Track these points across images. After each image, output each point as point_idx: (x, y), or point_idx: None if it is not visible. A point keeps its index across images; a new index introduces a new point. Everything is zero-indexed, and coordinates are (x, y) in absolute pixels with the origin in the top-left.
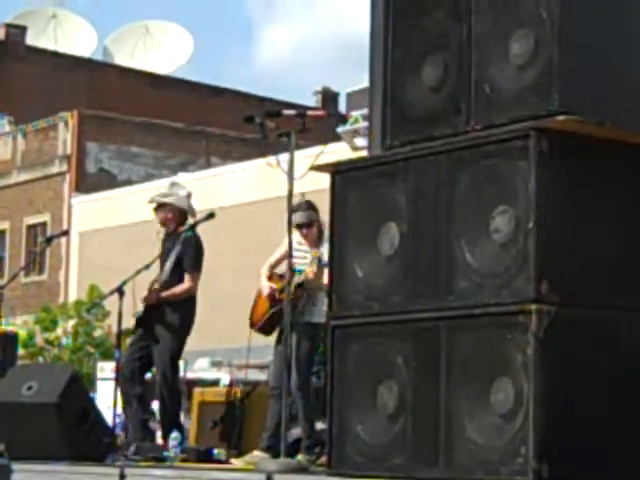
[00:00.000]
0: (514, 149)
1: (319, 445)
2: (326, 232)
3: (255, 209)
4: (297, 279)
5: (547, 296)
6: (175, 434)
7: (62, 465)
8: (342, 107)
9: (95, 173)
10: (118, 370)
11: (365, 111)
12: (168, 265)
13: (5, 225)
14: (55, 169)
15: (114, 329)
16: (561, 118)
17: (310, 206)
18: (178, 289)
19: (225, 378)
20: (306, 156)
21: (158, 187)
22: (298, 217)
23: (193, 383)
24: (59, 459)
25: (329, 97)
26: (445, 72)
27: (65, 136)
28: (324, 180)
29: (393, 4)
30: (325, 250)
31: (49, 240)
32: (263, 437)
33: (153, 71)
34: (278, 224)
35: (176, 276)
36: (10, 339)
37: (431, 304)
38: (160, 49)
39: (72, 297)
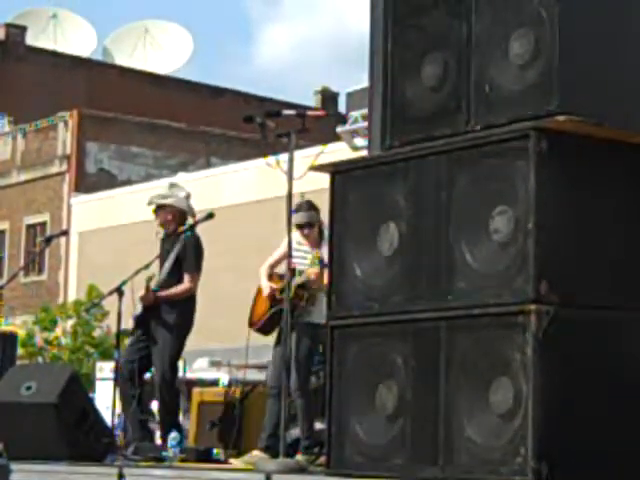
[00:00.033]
0: (514, 149)
1: (318, 445)
2: (326, 232)
3: (255, 209)
4: (298, 279)
5: (546, 296)
6: (174, 434)
7: (61, 465)
8: (342, 107)
9: (95, 173)
10: (117, 370)
11: (365, 111)
12: (167, 265)
13: (5, 225)
14: (55, 169)
15: (113, 329)
16: (561, 118)
17: (311, 206)
18: (178, 289)
19: (224, 378)
20: (306, 156)
21: (158, 187)
22: (299, 217)
23: (192, 383)
24: (58, 459)
25: (329, 97)
26: (445, 72)
27: (65, 136)
28: (324, 180)
29: (393, 3)
30: (325, 250)
31: (48, 240)
32: (262, 437)
33: (153, 71)
34: (277, 224)
35: (175, 276)
36: (9, 339)
37: (430, 304)
38: (160, 49)
39: (71, 297)
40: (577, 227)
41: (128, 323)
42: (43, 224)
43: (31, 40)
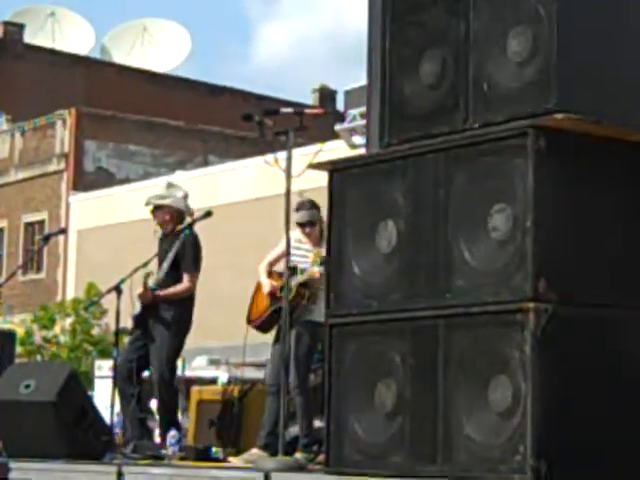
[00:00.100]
0: (512, 147)
1: (317, 443)
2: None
3: (253, 207)
4: (301, 278)
5: (545, 294)
6: (173, 432)
7: (60, 463)
8: (340, 105)
9: (93, 171)
10: (116, 369)
11: (363, 109)
12: (165, 264)
13: (3, 223)
14: (53, 167)
15: (112, 327)
16: (559, 116)
17: (313, 205)
18: (177, 289)
19: (223, 376)
20: (304, 154)
21: (156, 185)
22: (301, 216)
23: (191, 381)
24: (57, 457)
25: (327, 95)
26: (443, 69)
27: (63, 134)
28: (322, 178)
29: (391, 1)
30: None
31: (46, 238)
32: (260, 435)
33: (151, 69)
34: (276, 222)
35: (173, 276)
36: (8, 337)
37: (429, 302)
38: (158, 47)
39: (70, 295)
40: (576, 225)
41: (127, 321)
42: (41, 222)
43: (29, 38)
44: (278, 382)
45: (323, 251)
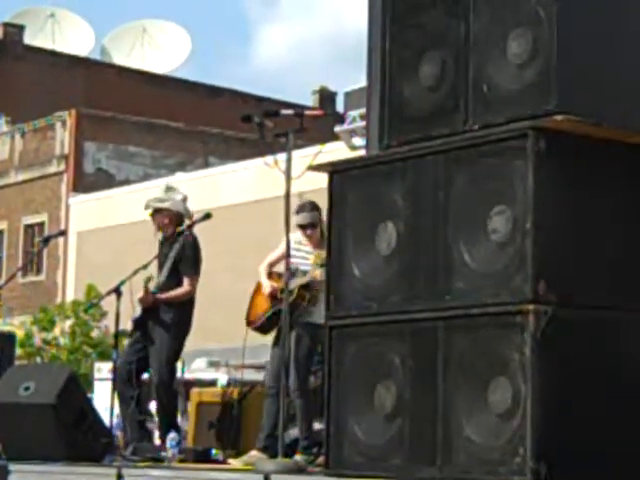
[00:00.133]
0: (512, 149)
1: (317, 445)
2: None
3: (253, 209)
4: (302, 280)
5: (544, 296)
6: (173, 434)
7: (59, 466)
8: (340, 106)
9: (93, 173)
10: (115, 371)
11: (363, 110)
12: (165, 268)
13: (3, 225)
14: (53, 169)
15: (112, 329)
16: (559, 118)
17: (314, 207)
18: (177, 292)
19: (223, 378)
20: (304, 156)
21: (156, 187)
22: (302, 218)
23: (191, 383)
24: (56, 459)
25: (327, 96)
26: (443, 71)
27: (63, 136)
28: (322, 180)
29: (391, 2)
30: None
31: (46, 240)
32: (260, 437)
33: (151, 70)
34: (276, 224)
35: (174, 279)
36: (8, 339)
37: (429, 304)
38: (158, 48)
39: (70, 297)
40: (575, 227)
41: (126, 323)
42: (41, 224)
43: (29, 39)
44: (277, 384)
45: (324, 253)
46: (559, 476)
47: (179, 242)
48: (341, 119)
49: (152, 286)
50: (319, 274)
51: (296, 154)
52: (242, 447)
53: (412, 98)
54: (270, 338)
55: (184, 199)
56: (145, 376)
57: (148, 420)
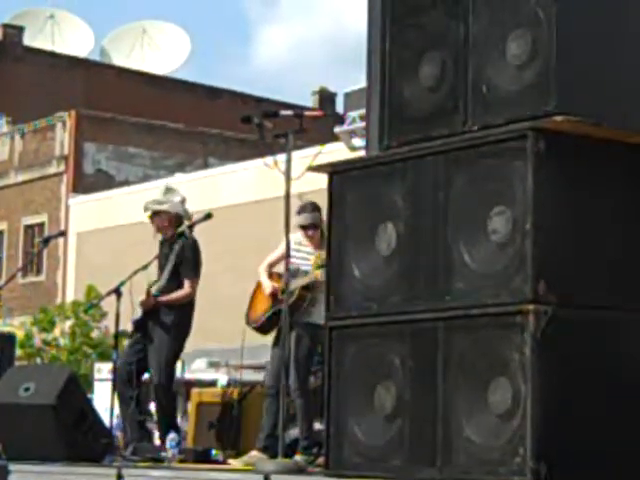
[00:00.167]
0: (511, 149)
1: (317, 445)
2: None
3: (253, 210)
4: (302, 281)
5: (544, 296)
6: (173, 435)
7: (59, 466)
8: (340, 107)
9: (92, 174)
10: (115, 371)
11: (362, 111)
12: (166, 271)
13: (3, 226)
14: (52, 169)
15: (112, 330)
16: (558, 118)
17: (315, 208)
18: (178, 295)
19: (223, 379)
20: (304, 156)
21: (156, 187)
22: (304, 218)
23: (191, 384)
24: (56, 460)
25: (327, 97)
26: (442, 72)
27: (62, 136)
28: (322, 180)
29: (391, 3)
30: None
31: (46, 241)
32: (260, 437)
33: (150, 71)
34: (276, 225)
35: (174, 281)
36: (8, 340)
37: (428, 304)
38: (157, 49)
39: (69, 298)
40: (575, 227)
41: (126, 324)
42: (41, 225)
43: (29, 40)
44: (277, 384)
45: (325, 254)
46: (559, 476)
47: (179, 244)
48: (341, 120)
49: (154, 289)
50: (320, 275)
51: (296, 155)
52: (242, 447)
53: (412, 99)
54: (270, 338)
55: (183, 201)
56: (145, 376)
57: (148, 420)
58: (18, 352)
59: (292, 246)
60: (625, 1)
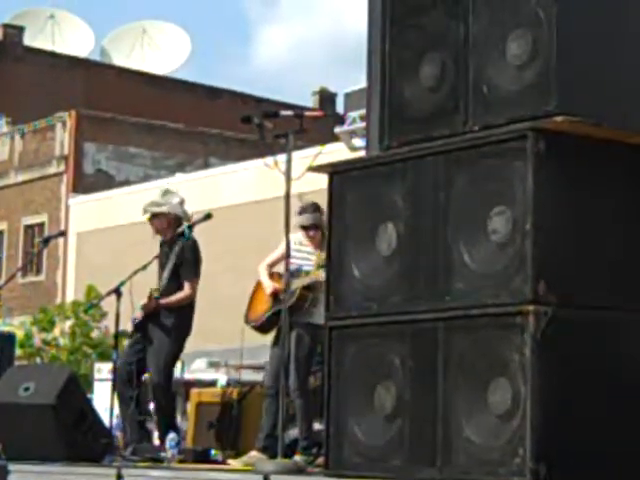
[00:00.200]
0: (512, 150)
1: (316, 446)
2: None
3: (253, 210)
4: (304, 281)
5: (544, 297)
6: (172, 435)
7: (59, 466)
8: (340, 107)
9: (93, 174)
10: (115, 371)
11: (363, 111)
12: (166, 272)
13: (3, 226)
14: (53, 169)
15: (111, 330)
16: (559, 119)
17: (316, 208)
18: (178, 297)
19: (222, 379)
20: (304, 157)
21: (156, 187)
22: (305, 219)
23: (190, 384)
24: (56, 460)
25: (327, 97)
26: (443, 72)
27: (62, 136)
28: (322, 181)
29: (391, 4)
30: None
31: (46, 241)
32: (259, 437)
33: (150, 71)
34: (276, 225)
35: (175, 283)
36: (7, 340)
37: (428, 305)
38: (157, 49)
39: (69, 298)
40: (575, 227)
41: (126, 324)
42: (41, 225)
43: (29, 40)
44: (276, 384)
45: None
46: (559, 477)
47: (178, 245)
48: (341, 120)
49: (154, 294)
50: (321, 275)
51: (296, 155)
52: (241, 447)
53: (412, 99)
54: (270, 338)
55: (181, 202)
56: (145, 377)
57: (148, 420)
58: (18, 352)
59: (293, 246)
60: (625, 1)
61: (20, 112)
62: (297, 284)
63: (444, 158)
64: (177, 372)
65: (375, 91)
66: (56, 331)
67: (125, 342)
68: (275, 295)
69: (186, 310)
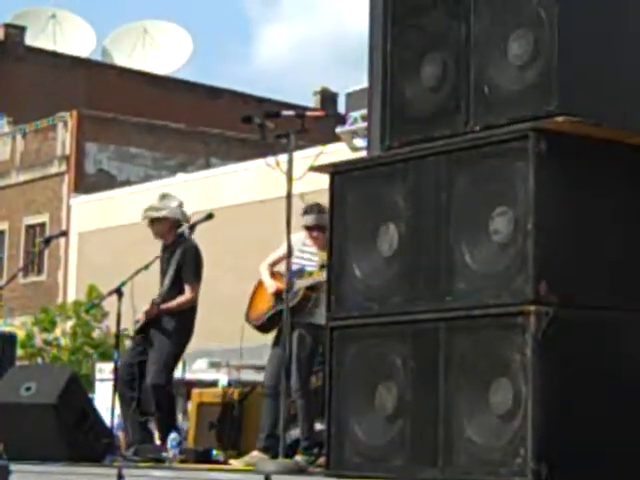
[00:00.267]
0: (513, 150)
1: (318, 446)
2: None
3: (254, 210)
4: (307, 281)
5: (546, 297)
6: (174, 435)
7: (60, 466)
8: (341, 107)
9: (94, 173)
10: (116, 371)
11: (364, 111)
12: (168, 276)
13: (4, 225)
14: (54, 169)
15: (113, 330)
16: (560, 119)
17: (321, 209)
18: (179, 301)
19: (223, 379)
20: (305, 157)
21: (157, 187)
22: (310, 219)
23: (192, 384)
24: (57, 460)
25: (328, 97)
26: (444, 72)
27: (64, 136)
28: (323, 181)
29: (392, 4)
30: None
31: (47, 241)
32: (260, 437)
33: (152, 71)
34: (278, 225)
35: (176, 286)
36: (9, 340)
37: (430, 305)
38: (159, 49)
39: (71, 298)
40: (576, 228)
41: (127, 324)
42: (42, 225)
43: (30, 40)
44: (276, 384)
45: None
46: (560, 477)
47: (180, 249)
48: (342, 120)
49: (156, 297)
50: (324, 275)
51: (297, 155)
52: (243, 447)
53: (413, 99)
54: (269, 338)
55: (180, 205)
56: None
57: (149, 420)
58: (19, 352)
59: (297, 246)
60: (625, 1)
61: (21, 112)
62: (300, 285)
63: (445, 158)
64: (178, 372)
65: (376, 91)
66: (57, 331)
67: (126, 342)
68: (277, 294)
69: (187, 314)
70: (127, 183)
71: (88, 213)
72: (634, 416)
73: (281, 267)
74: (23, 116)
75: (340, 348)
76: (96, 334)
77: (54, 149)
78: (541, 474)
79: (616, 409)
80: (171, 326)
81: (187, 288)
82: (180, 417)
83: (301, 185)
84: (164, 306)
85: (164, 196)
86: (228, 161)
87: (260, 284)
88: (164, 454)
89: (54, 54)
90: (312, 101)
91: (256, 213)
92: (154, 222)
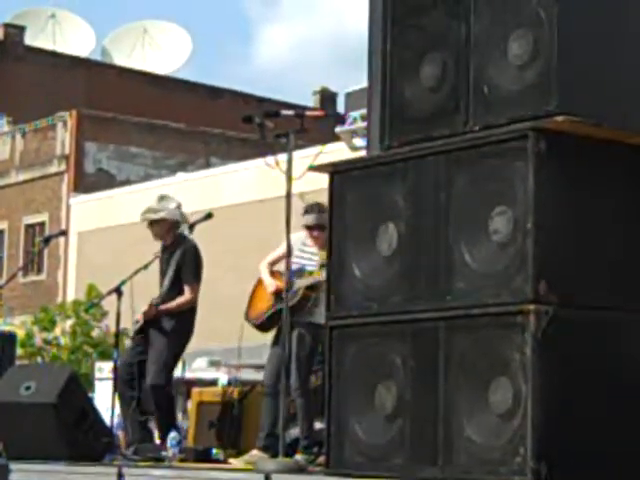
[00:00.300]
0: (512, 150)
1: (317, 445)
2: None
3: (254, 209)
4: (307, 280)
5: (545, 296)
6: (173, 434)
7: (60, 465)
8: (341, 107)
9: (94, 173)
10: (116, 370)
11: (364, 111)
12: (167, 277)
13: (3, 225)
14: (53, 169)
15: (112, 329)
16: (559, 119)
17: (321, 209)
18: (179, 302)
19: (223, 378)
20: (305, 156)
21: (157, 187)
22: (310, 219)
23: (191, 383)
24: (57, 459)
25: (328, 97)
26: (444, 72)
27: (63, 136)
28: (323, 180)
29: (392, 4)
30: None
31: (47, 240)
32: (260, 436)
33: (152, 71)
34: (277, 224)
35: (176, 288)
36: (8, 339)
37: (429, 304)
38: (159, 49)
39: (70, 297)
40: (576, 227)
41: (127, 323)
42: (42, 224)
43: (30, 40)
44: (275, 383)
45: None
46: (559, 476)
47: (179, 250)
48: (342, 120)
49: (155, 297)
50: (324, 275)
51: (297, 155)
52: (243, 446)
53: (413, 99)
54: (269, 338)
55: (178, 206)
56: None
57: (149, 419)
58: (19, 351)
59: (297, 246)
60: (625, 1)
61: (21, 111)
62: (300, 284)
63: (445, 158)
64: (178, 371)
65: (376, 91)
66: (57, 330)
67: (126, 341)
68: (277, 293)
69: (187, 314)
70: (127, 183)
71: (88, 212)
72: (634, 416)
73: (281, 266)
74: (23, 116)
75: (340, 347)
76: (95, 333)
77: (54, 149)
78: (541, 473)
79: (616, 409)
80: (171, 326)
81: (187, 289)
82: (180, 416)
83: (301, 185)
84: (163, 307)
85: (162, 198)
86: (228, 161)
87: (260, 283)
88: (164, 453)
89: (54, 54)
90: (312, 101)
91: (256, 213)
92: (153, 224)
